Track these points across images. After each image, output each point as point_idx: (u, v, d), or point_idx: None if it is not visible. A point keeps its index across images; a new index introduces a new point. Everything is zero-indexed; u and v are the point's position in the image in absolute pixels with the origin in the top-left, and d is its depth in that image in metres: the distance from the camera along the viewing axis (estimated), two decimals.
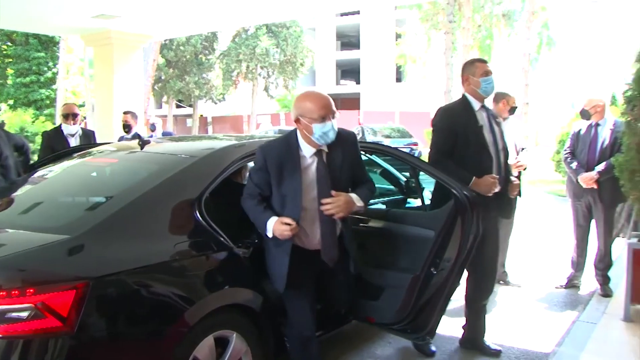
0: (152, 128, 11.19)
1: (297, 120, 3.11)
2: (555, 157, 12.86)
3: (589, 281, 5.75)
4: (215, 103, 39.63)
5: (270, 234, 3.08)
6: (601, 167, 5.28)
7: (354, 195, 3.17)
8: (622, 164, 4.69)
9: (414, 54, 28.56)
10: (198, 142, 4.70)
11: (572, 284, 5.79)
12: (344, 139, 3.24)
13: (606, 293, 5.41)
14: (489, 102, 4.50)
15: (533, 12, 22.20)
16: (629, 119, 4.66)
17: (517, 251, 6.30)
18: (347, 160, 3.23)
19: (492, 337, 4.45)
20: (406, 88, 38.24)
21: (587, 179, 5.33)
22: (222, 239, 3.13)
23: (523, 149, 5.57)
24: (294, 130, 3.19)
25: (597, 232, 5.51)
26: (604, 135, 5.40)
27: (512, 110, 5.50)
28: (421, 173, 4.29)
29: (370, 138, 21.48)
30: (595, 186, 5.33)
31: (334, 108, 3.13)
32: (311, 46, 40.53)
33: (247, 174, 3.35)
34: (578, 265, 5.76)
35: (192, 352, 2.85)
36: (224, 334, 3.05)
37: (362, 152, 3.56)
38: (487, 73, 4.07)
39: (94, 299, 2.49)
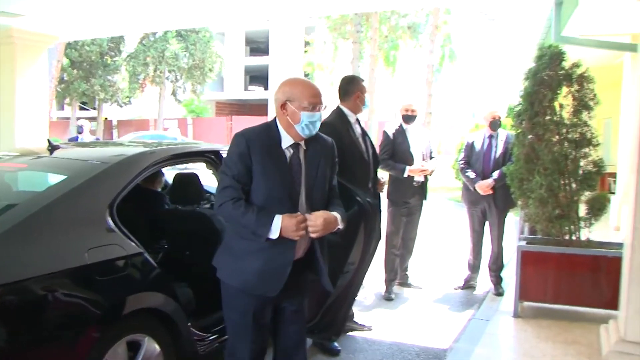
0: (79, 130, 10.84)
1: (282, 106, 2.84)
2: (456, 165, 13.47)
3: (484, 282, 6.14)
4: (121, 106, 38.41)
5: (275, 235, 2.72)
6: (496, 174, 5.67)
7: (336, 214, 2.89)
8: (513, 173, 5.09)
9: (322, 62, 28.94)
10: (109, 148, 4.67)
11: (468, 284, 6.16)
12: (324, 141, 3.02)
13: (499, 292, 5.80)
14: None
15: (436, 25, 23.14)
16: (518, 131, 5.07)
17: (419, 255, 6.60)
18: (326, 164, 2.98)
19: (394, 336, 4.72)
20: None
21: (485, 186, 5.71)
22: (133, 244, 3.15)
23: (432, 157, 5.88)
24: (273, 120, 2.91)
25: (491, 236, 5.90)
26: (498, 146, 5.81)
27: (405, 117, 5.73)
28: None
29: None
30: (491, 192, 5.72)
31: (323, 99, 2.90)
32: (220, 51, 40.15)
33: (221, 175, 2.87)
34: (474, 267, 6.14)
35: (104, 356, 2.87)
36: (136, 338, 3.09)
37: None
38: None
39: (1, 306, 2.49)
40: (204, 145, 4.36)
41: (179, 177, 4.57)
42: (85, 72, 34.50)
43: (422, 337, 4.79)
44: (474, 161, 5.91)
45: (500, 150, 5.79)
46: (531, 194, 4.92)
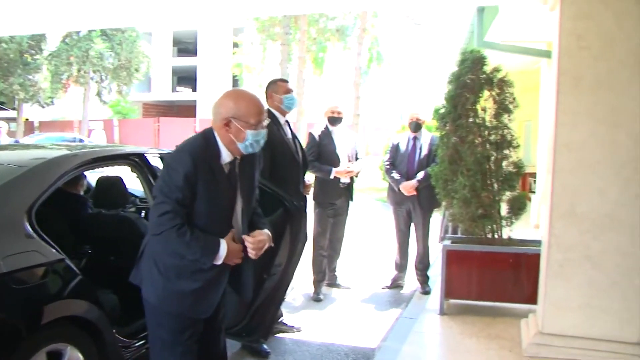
0: None
1: (227, 123, 2.64)
2: (383, 166, 13.68)
3: (410, 281, 6.26)
4: (43, 107, 36.92)
5: (220, 261, 2.65)
6: (421, 175, 5.79)
7: (267, 232, 2.86)
8: (437, 174, 5.23)
9: (250, 63, 28.82)
10: (29, 151, 4.49)
11: (396, 284, 6.26)
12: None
13: (426, 291, 5.93)
14: None
15: (364, 29, 23.47)
16: (442, 133, 5.21)
17: (347, 255, 6.67)
18: (256, 175, 2.91)
19: (323, 337, 4.74)
20: None
21: (409, 187, 5.82)
22: (53, 250, 3.04)
23: (358, 158, 5.95)
24: (210, 132, 2.71)
25: (417, 236, 6.03)
26: (422, 148, 5.94)
27: (331, 119, 5.78)
28: None
29: None
30: (415, 193, 5.85)
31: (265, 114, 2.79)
32: (147, 51, 39.27)
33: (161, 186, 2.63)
34: (401, 266, 6.25)
35: None
36: (57, 347, 2.97)
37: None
38: (289, 91, 4.61)
39: None
40: (129, 148, 4.26)
41: (102, 181, 4.45)
42: (3, 70, 32.92)
43: (351, 337, 4.83)
44: (398, 162, 6.02)
45: (424, 151, 5.93)
46: (455, 194, 5.07)
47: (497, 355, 4.28)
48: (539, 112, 9.53)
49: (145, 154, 4.03)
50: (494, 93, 5.15)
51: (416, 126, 5.96)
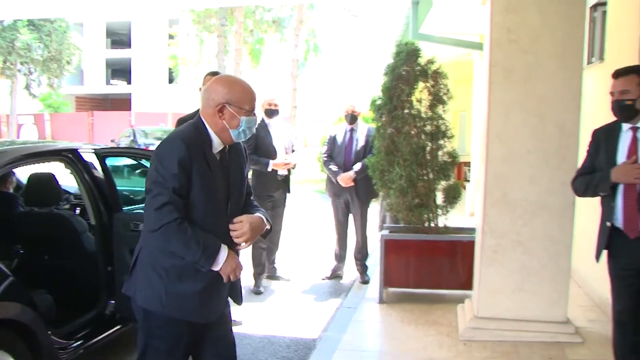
0: None
1: (221, 109, 2.49)
2: (321, 158, 13.75)
3: (350, 271, 6.32)
4: None
5: (219, 266, 2.45)
6: (358, 166, 5.85)
7: (260, 215, 2.65)
8: (374, 165, 5.30)
9: (186, 55, 28.39)
10: None
11: (336, 274, 6.32)
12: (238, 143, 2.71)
13: (365, 280, 6.01)
14: None
15: (301, 20, 23.47)
16: (379, 124, 5.28)
17: (286, 247, 6.69)
18: (244, 166, 2.74)
19: (264, 329, 4.75)
20: (179, 89, 37.79)
21: (346, 179, 5.87)
22: None
23: (294, 150, 5.96)
24: (199, 120, 2.56)
25: (355, 226, 6.09)
26: (359, 139, 6.01)
27: (267, 112, 5.79)
28: None
29: (141, 140, 20.82)
30: (352, 184, 5.91)
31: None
32: (79, 43, 37.97)
33: (156, 192, 2.40)
34: (340, 257, 6.30)
35: None
36: None
37: (121, 156, 3.32)
38: None
39: None
40: (61, 144, 4.14)
41: (33, 178, 4.30)
42: None
43: (292, 328, 4.86)
44: (336, 154, 6.07)
45: (361, 143, 5.98)
46: (392, 184, 5.16)
47: (435, 341, 4.39)
48: (473, 102, 9.77)
49: (78, 150, 3.92)
50: (428, 85, 5.26)
51: (352, 118, 6.02)
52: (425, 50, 5.40)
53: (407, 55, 5.20)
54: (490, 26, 4.28)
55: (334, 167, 5.99)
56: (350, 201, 6.04)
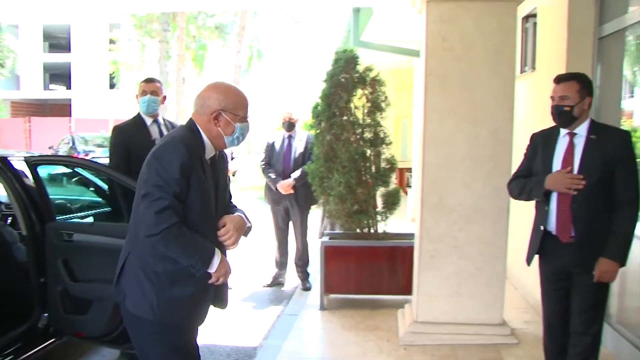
0: None
1: (216, 116, 2.50)
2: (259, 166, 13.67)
3: (291, 278, 6.32)
4: None
5: (214, 269, 2.49)
6: (297, 174, 5.85)
7: (240, 214, 2.70)
8: (313, 172, 5.31)
9: (127, 60, 27.85)
10: None
11: (277, 281, 6.30)
12: None
13: (306, 287, 6.01)
14: None
15: (243, 26, 23.35)
16: (317, 131, 5.30)
17: (227, 255, 6.60)
18: (226, 170, 2.79)
19: (204, 338, 4.65)
20: (120, 95, 37.03)
21: (285, 186, 5.87)
22: None
23: (233, 157, 5.91)
24: (193, 125, 2.54)
25: (295, 233, 6.09)
26: (297, 146, 6.01)
27: None
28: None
29: (81, 147, 20.29)
30: (292, 192, 5.90)
31: None
32: (13, 46, 36.73)
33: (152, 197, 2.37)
34: (281, 264, 6.29)
35: None
36: None
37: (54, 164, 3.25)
38: (144, 93, 4.48)
39: None
40: None
41: None
42: None
43: (233, 336, 4.82)
44: (274, 162, 6.06)
45: (299, 150, 6.00)
46: (331, 191, 5.18)
47: (375, 346, 4.42)
48: (414, 109, 9.91)
49: (8, 158, 3.79)
50: (367, 92, 5.31)
51: (289, 125, 6.02)
52: (368, 57, 5.46)
53: (346, 62, 5.24)
54: (425, 35, 4.36)
55: (272, 175, 5.98)
56: (290, 208, 6.03)
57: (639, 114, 4.96)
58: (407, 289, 4.92)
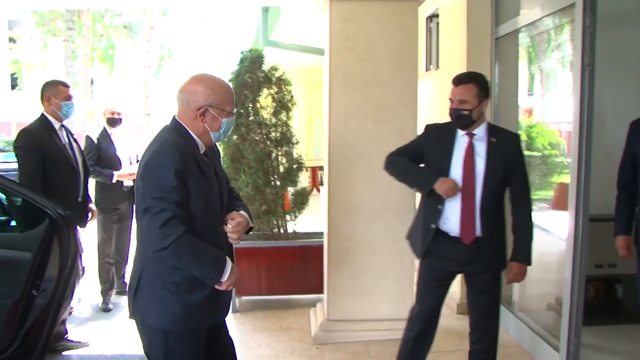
0: None
1: (203, 112, 2.41)
2: None
3: None
4: None
5: (226, 277, 2.40)
6: None
7: (243, 214, 2.61)
8: None
9: (30, 60, 26.58)
10: None
11: None
12: None
13: None
14: None
15: (152, 25, 22.78)
16: None
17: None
18: (220, 165, 2.75)
19: (114, 348, 4.52)
20: (23, 96, 35.30)
21: None
22: None
23: (139, 161, 5.73)
24: (178, 124, 2.46)
25: None
26: None
27: (109, 121, 5.51)
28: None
29: None
30: None
31: None
32: None
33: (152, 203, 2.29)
34: None
35: None
36: None
37: None
38: (69, 97, 4.33)
39: None
40: None
41: None
42: None
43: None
44: None
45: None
46: (239, 192, 5.11)
47: (288, 347, 4.40)
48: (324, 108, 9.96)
49: None
50: (272, 91, 5.28)
51: None
52: (279, 57, 5.44)
53: (251, 62, 5.20)
54: (329, 34, 4.39)
55: None
56: None
57: (534, 110, 5.20)
58: (319, 288, 4.93)
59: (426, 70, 6.34)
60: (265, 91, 5.25)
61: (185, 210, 2.32)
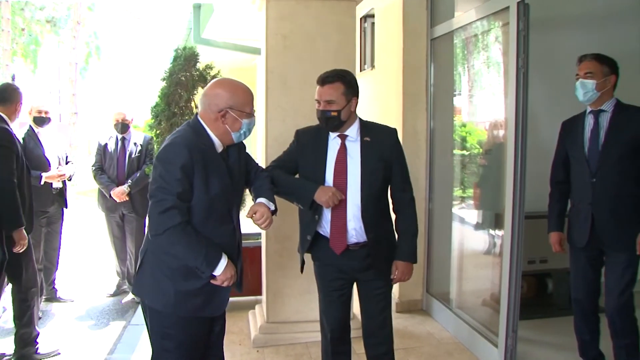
0: None
1: (223, 114, 2.56)
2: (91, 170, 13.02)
3: None
4: None
5: (219, 272, 2.52)
6: (132, 179, 5.60)
7: (263, 200, 2.78)
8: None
9: None
10: None
11: (121, 290, 5.99)
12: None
13: None
14: None
15: (78, 21, 22.01)
16: (157, 131, 5.08)
17: (66, 266, 6.20)
18: (242, 158, 2.82)
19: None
20: None
21: (119, 194, 5.56)
22: None
23: (69, 161, 5.50)
24: (198, 123, 2.60)
25: (130, 242, 5.82)
26: (132, 149, 5.73)
27: (36, 120, 5.28)
28: None
29: None
30: (127, 199, 5.62)
31: None
32: None
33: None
34: (122, 273, 5.99)
35: None
36: None
37: None
38: None
39: None
40: None
41: None
42: None
43: (75, 353, 4.48)
44: (107, 166, 5.72)
45: (135, 153, 5.72)
46: None
47: (228, 350, 4.25)
48: (257, 107, 9.89)
49: None
50: None
51: (123, 127, 5.72)
52: (211, 55, 5.32)
53: (185, 60, 5.07)
54: (266, 33, 4.32)
55: (105, 180, 5.64)
56: (125, 216, 5.75)
57: (468, 111, 5.30)
58: (258, 290, 4.86)
59: (361, 70, 6.38)
60: (200, 90, 5.13)
61: (188, 203, 2.46)
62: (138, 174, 5.61)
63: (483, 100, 5.03)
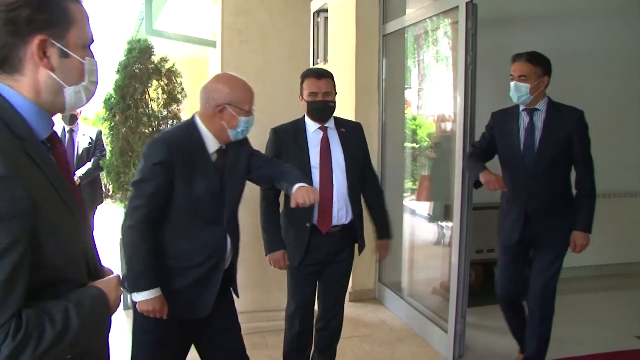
0: None
1: (221, 110, 2.46)
2: None
3: None
4: None
5: (136, 299, 2.40)
6: (82, 171, 5.54)
7: (300, 186, 2.68)
8: (109, 166, 5.05)
9: None
10: None
11: None
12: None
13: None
14: None
15: None
16: (111, 124, 5.05)
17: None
18: (245, 158, 2.72)
19: None
20: None
21: None
22: None
23: None
24: (192, 122, 2.53)
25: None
26: (80, 141, 5.67)
27: None
28: None
29: None
30: None
31: None
32: None
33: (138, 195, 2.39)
34: None
35: None
36: None
37: None
38: None
39: None
40: None
41: None
42: None
43: None
44: None
45: (83, 145, 5.67)
46: (129, 186, 4.97)
47: None
48: None
49: None
50: (162, 83, 5.17)
51: (71, 118, 5.63)
52: (162, 46, 5.29)
53: (140, 52, 5.04)
54: (221, 27, 4.34)
55: None
56: None
57: (418, 104, 5.43)
58: None
59: (314, 64, 6.44)
60: (154, 83, 5.12)
61: (161, 204, 2.39)
62: (90, 165, 5.54)
63: (433, 95, 5.17)
